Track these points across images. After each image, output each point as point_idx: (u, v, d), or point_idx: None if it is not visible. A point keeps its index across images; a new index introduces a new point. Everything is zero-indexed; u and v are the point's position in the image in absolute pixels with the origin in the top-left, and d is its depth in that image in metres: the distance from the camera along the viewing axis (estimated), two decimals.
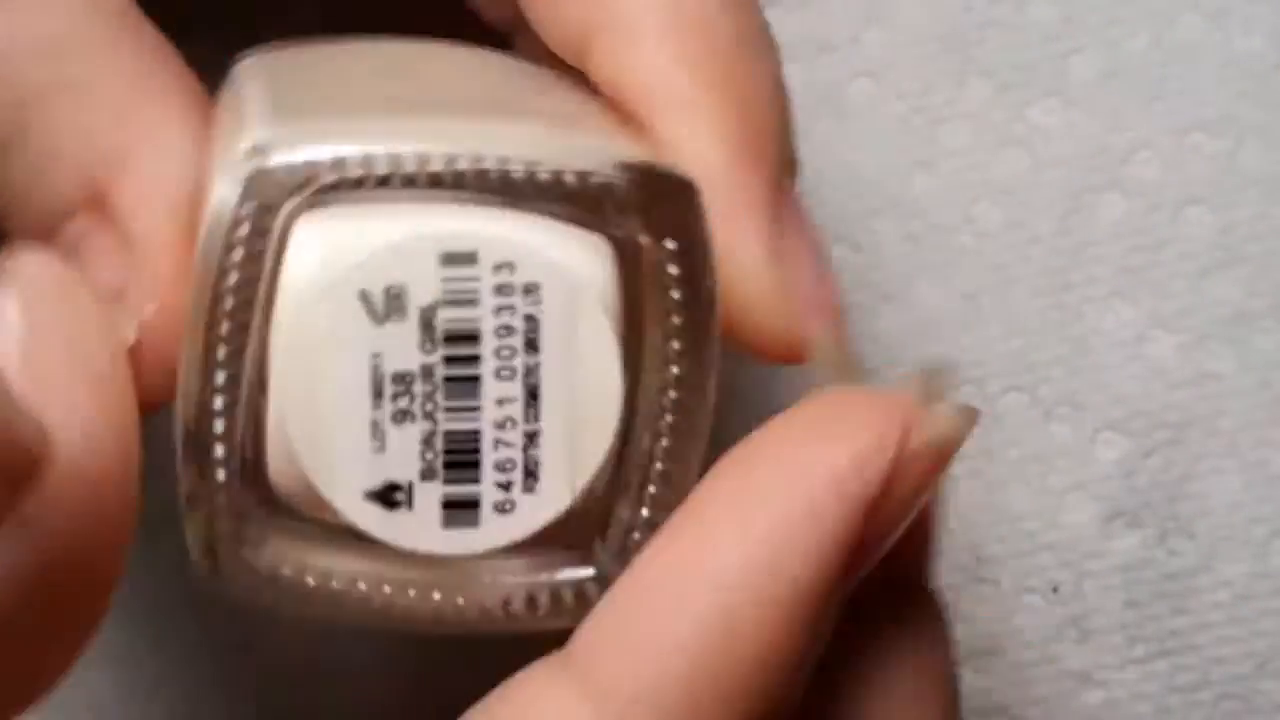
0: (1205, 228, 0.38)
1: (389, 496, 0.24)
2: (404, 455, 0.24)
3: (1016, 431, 0.38)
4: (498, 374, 0.24)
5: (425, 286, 0.24)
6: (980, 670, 0.38)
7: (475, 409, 0.24)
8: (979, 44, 0.39)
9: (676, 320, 0.25)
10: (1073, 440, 0.38)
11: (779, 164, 0.27)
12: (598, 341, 0.25)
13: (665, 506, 0.25)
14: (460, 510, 0.24)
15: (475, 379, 0.24)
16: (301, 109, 0.25)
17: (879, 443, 0.24)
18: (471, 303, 0.24)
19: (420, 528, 0.24)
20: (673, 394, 0.25)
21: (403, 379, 0.24)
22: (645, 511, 0.25)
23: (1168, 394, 0.38)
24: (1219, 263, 0.38)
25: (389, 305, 0.24)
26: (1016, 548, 0.38)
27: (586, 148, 0.25)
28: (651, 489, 0.25)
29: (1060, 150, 0.38)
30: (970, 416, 0.25)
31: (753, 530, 0.24)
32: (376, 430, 0.24)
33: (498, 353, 0.24)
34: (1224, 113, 0.38)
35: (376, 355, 0.24)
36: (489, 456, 0.24)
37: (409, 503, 0.24)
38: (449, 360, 0.24)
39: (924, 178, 0.39)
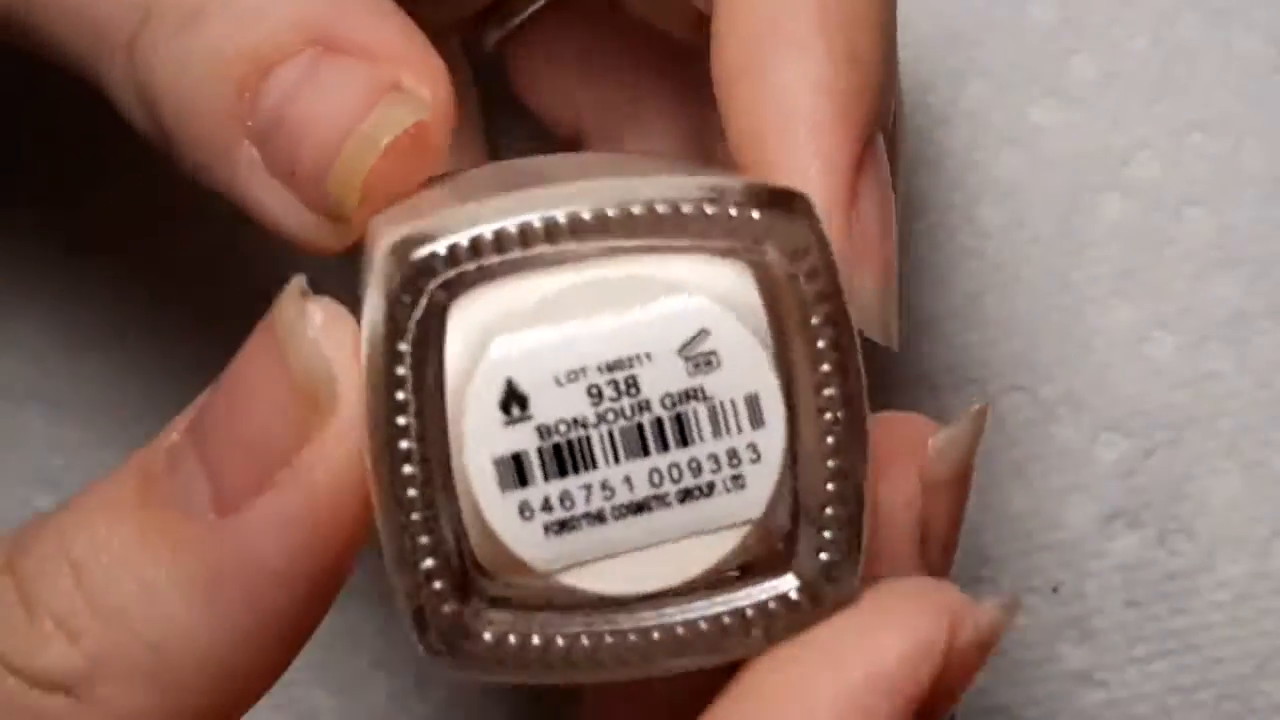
0: (1205, 228, 0.38)
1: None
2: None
3: (1016, 431, 0.38)
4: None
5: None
6: (980, 670, 0.38)
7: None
8: (979, 44, 0.39)
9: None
10: (1073, 440, 0.38)
11: (872, 120, 0.28)
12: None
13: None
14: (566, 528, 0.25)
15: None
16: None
17: (929, 646, 0.25)
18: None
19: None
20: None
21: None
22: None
23: (1168, 394, 0.38)
24: (1219, 263, 0.38)
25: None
26: (1016, 548, 0.38)
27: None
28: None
29: (1060, 150, 0.38)
30: (1014, 607, 0.26)
31: None
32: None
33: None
34: (1224, 113, 0.38)
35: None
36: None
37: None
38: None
39: (925, 177, 0.39)
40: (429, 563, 0.25)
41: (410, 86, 0.28)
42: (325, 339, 0.25)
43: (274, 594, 0.25)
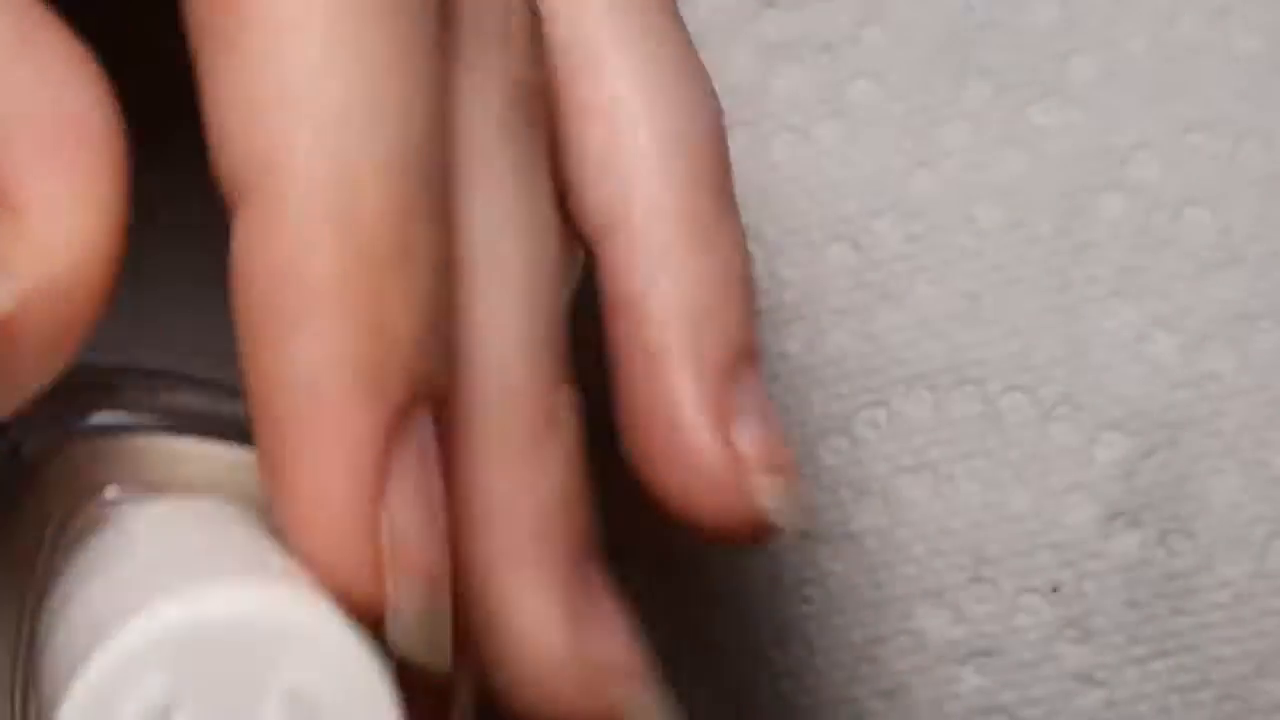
0: (1205, 228, 0.38)
1: None
2: None
3: (1016, 431, 0.38)
4: None
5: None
6: (980, 670, 0.38)
7: None
8: (979, 44, 0.39)
9: None
10: (1073, 440, 0.38)
11: (407, 387, 0.24)
12: None
13: None
14: None
15: None
16: None
17: None
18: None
19: None
20: None
21: None
22: None
23: (1168, 394, 0.38)
24: (1219, 263, 0.38)
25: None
26: (1016, 548, 0.38)
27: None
28: None
29: (1060, 150, 0.38)
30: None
31: None
32: None
33: None
34: (1224, 113, 0.38)
35: None
36: None
37: None
38: None
39: (924, 178, 0.39)
40: None
41: (27, 242, 0.23)
42: None
43: None
